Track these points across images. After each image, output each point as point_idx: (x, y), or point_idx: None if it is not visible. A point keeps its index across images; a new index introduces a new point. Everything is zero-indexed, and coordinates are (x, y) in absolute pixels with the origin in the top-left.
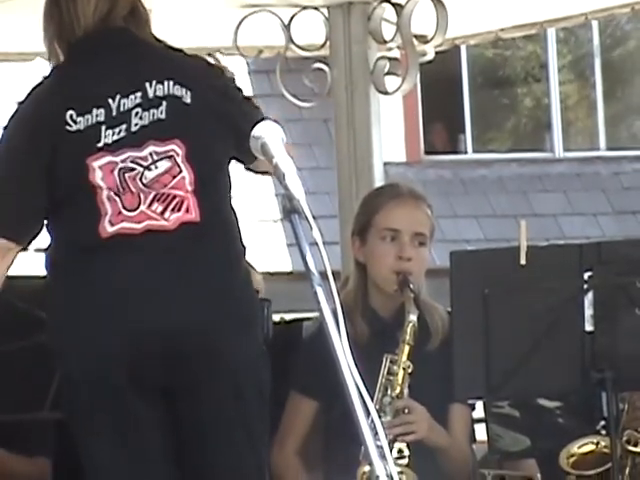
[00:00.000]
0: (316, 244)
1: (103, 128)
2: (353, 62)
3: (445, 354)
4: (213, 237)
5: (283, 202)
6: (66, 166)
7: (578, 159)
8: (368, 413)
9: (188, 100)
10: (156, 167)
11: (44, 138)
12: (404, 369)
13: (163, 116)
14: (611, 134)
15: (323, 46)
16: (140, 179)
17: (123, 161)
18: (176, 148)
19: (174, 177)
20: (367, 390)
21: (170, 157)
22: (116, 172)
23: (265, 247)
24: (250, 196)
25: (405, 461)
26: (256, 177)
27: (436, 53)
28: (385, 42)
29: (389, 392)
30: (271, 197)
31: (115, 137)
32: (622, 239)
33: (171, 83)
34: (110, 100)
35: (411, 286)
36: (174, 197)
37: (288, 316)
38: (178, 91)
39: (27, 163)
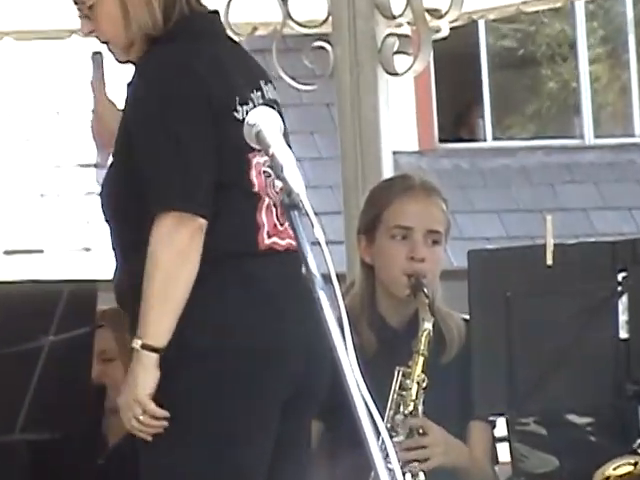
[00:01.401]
0: (318, 243)
1: None
2: (358, 40)
3: (462, 366)
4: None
5: (281, 197)
6: (230, 156)
7: (610, 146)
8: (378, 433)
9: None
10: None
11: (216, 120)
12: (418, 383)
13: None
14: None
15: (325, 22)
16: (272, 187)
17: (264, 164)
18: None
19: None
20: (376, 407)
21: None
22: (262, 175)
23: None
24: None
25: None
26: None
27: (451, 29)
28: (394, 17)
29: (402, 409)
30: None
31: None
32: None
33: (271, 87)
34: (252, 94)
35: (425, 290)
36: None
37: None
38: (276, 96)
39: (205, 145)
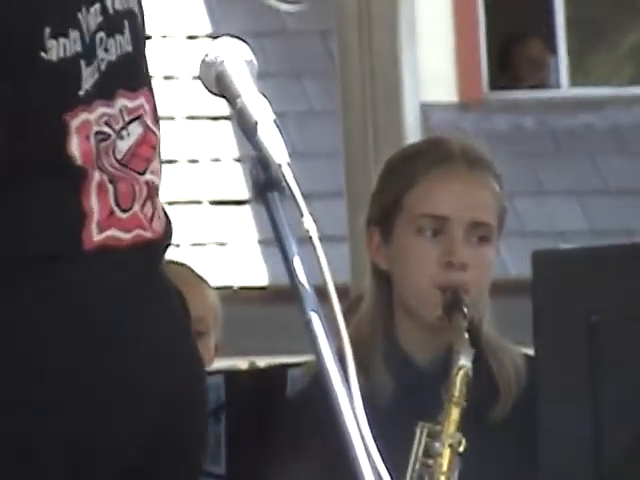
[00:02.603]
0: (310, 240)
1: (83, 64)
2: None
3: (522, 425)
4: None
5: (254, 172)
6: (33, 121)
7: None
8: None
9: (140, 20)
10: (128, 134)
11: (12, 60)
12: (452, 447)
13: (130, 47)
14: None
15: None
16: (114, 153)
17: (97, 121)
18: (145, 103)
19: (153, 149)
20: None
21: (140, 117)
22: (92, 139)
23: (223, 246)
24: (197, 163)
25: None
26: (206, 132)
27: None
28: None
29: None
30: (232, 165)
31: (91, 80)
32: None
33: None
34: (80, 15)
35: (465, 310)
36: (157, 191)
37: (263, 360)
38: (132, 2)
39: None
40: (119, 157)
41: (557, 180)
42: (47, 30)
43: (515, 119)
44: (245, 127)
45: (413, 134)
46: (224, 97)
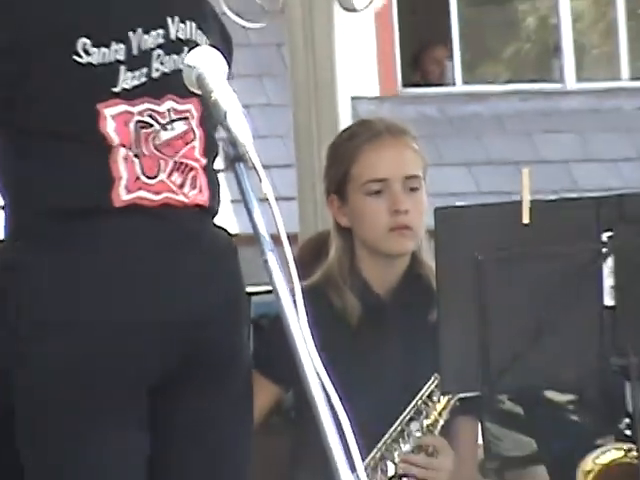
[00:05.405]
0: (267, 200)
1: (122, 69)
2: None
3: None
4: (212, 229)
5: (225, 148)
6: (65, 109)
7: (594, 92)
8: (342, 434)
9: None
10: (172, 128)
11: (33, 62)
12: (449, 400)
13: None
14: (635, 61)
15: None
16: (153, 140)
17: (140, 113)
18: (193, 109)
19: (186, 144)
20: (338, 393)
21: (186, 119)
22: (132, 125)
23: None
24: None
25: None
26: None
27: None
28: None
29: (421, 418)
30: None
31: (135, 82)
32: None
33: (194, 25)
34: (131, 33)
35: None
36: (190, 169)
37: None
38: (199, 37)
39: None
40: (157, 143)
41: (453, 154)
42: (82, 40)
43: (421, 109)
44: (218, 115)
45: (345, 120)
46: (202, 92)
